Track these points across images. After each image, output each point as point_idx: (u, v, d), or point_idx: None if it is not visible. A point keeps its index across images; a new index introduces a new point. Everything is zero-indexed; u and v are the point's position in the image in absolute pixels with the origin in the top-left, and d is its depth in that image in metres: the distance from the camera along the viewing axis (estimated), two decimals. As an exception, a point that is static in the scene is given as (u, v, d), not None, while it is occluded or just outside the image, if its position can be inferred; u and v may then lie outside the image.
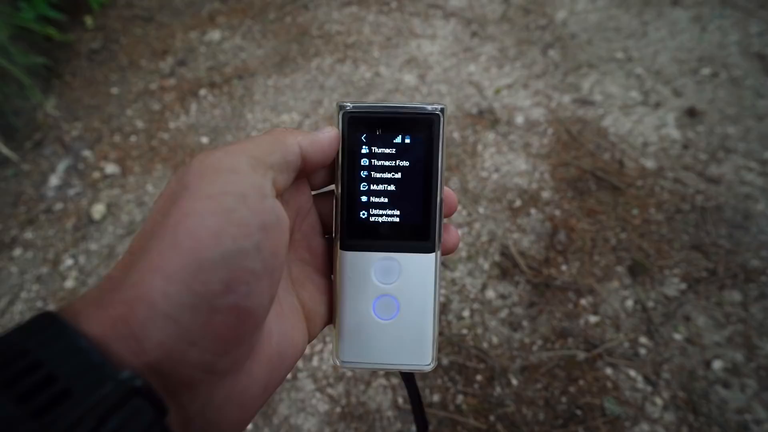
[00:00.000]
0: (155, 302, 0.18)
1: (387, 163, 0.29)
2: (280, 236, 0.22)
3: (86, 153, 1.34)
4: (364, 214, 0.29)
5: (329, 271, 0.30)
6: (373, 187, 0.29)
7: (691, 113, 1.25)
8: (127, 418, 0.16)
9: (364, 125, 0.28)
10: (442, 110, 0.28)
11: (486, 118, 1.31)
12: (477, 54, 1.48)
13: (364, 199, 0.29)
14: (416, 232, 0.29)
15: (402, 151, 0.28)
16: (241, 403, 0.22)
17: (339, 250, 0.29)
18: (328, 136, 0.27)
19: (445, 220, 0.30)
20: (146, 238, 0.20)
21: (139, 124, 1.41)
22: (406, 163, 0.28)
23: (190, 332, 0.18)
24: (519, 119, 1.30)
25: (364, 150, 0.29)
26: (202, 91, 1.46)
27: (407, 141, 0.28)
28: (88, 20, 1.69)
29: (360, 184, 0.29)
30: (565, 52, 1.46)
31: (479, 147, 1.26)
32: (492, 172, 1.20)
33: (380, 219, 0.29)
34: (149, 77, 1.53)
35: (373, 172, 0.29)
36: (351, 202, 0.29)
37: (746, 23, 1.44)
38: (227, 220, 0.19)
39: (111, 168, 1.30)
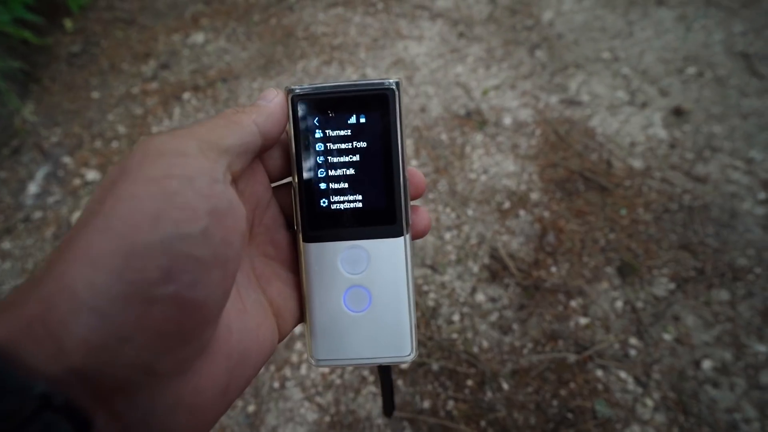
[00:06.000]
0: (77, 293, 0.15)
1: (343, 145, 0.27)
2: (234, 224, 0.19)
3: (66, 159, 1.31)
4: (324, 202, 0.27)
5: (296, 265, 0.28)
6: (332, 172, 0.27)
7: (678, 113, 1.26)
8: None
9: (316, 107, 0.27)
10: (396, 84, 0.26)
11: (474, 119, 1.31)
12: (464, 55, 1.47)
13: (322, 186, 0.27)
14: (381, 216, 0.27)
15: (358, 132, 0.27)
16: (194, 407, 0.20)
17: (302, 243, 0.27)
18: (276, 103, 0.25)
19: (414, 202, 0.28)
20: (76, 229, 0.17)
21: (121, 129, 1.37)
22: (363, 144, 0.27)
23: (122, 327, 0.16)
24: (507, 120, 1.30)
25: (318, 134, 0.27)
26: (186, 95, 1.44)
27: (362, 120, 0.27)
28: (68, 23, 1.66)
29: (317, 171, 0.27)
30: (552, 52, 1.46)
31: (467, 149, 1.25)
32: (480, 174, 1.20)
33: (342, 206, 0.27)
34: (131, 81, 1.50)
35: (329, 157, 0.27)
36: (309, 190, 0.27)
37: (730, 22, 1.45)
38: (169, 203, 0.17)
39: (92, 175, 1.27)
